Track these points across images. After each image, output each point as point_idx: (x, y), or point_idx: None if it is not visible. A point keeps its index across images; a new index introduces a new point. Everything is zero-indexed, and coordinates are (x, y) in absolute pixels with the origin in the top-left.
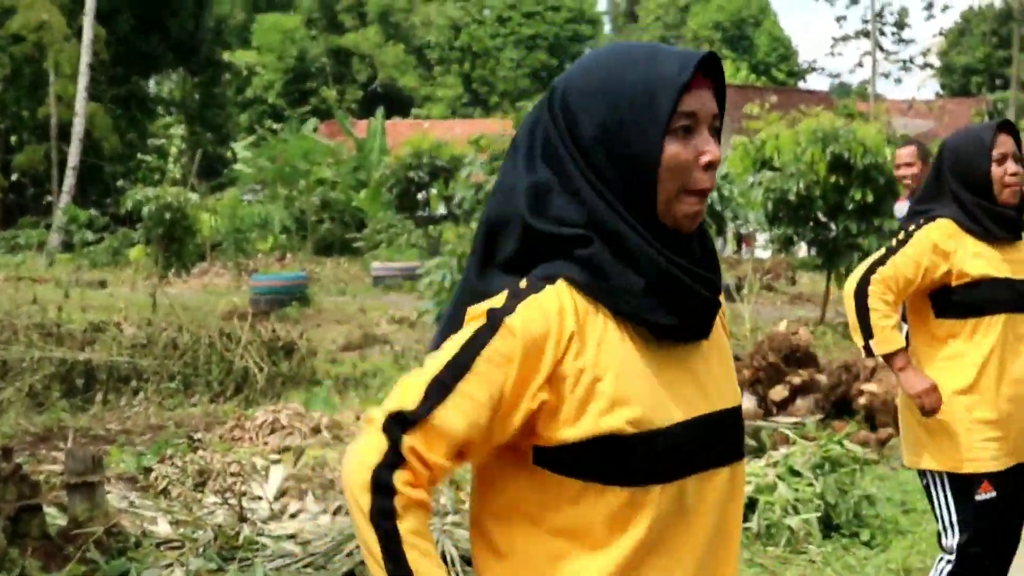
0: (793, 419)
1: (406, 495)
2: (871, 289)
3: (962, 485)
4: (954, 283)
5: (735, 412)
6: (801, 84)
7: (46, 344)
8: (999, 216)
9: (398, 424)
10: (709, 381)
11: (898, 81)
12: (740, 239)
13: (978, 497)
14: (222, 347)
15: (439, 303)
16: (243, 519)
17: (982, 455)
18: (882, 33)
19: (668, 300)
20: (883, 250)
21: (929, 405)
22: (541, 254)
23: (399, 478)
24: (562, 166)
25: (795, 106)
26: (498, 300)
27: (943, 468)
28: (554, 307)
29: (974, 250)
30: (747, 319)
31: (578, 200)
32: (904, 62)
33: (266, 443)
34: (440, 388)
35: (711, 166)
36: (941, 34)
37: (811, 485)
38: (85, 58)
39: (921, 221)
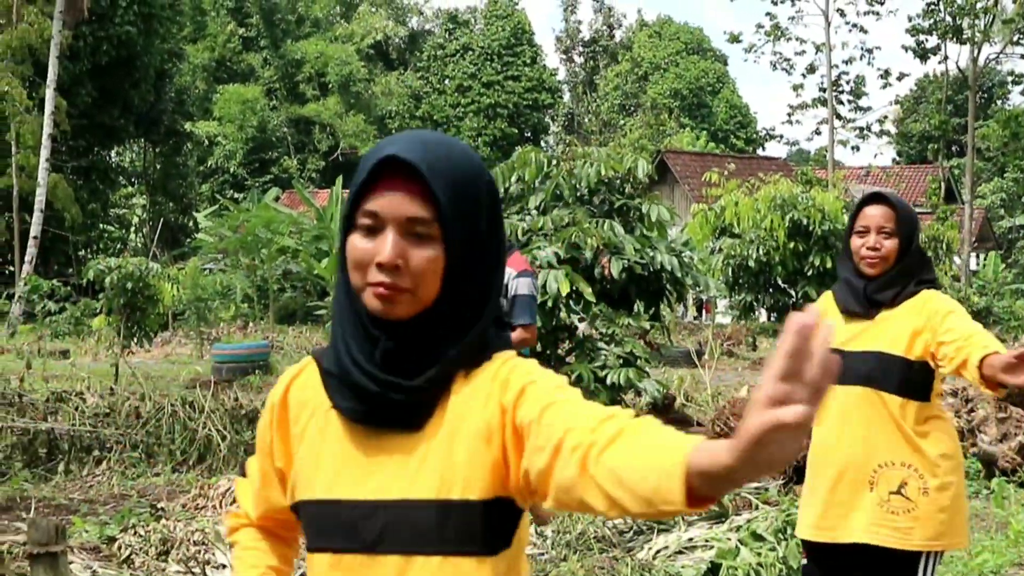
0: (755, 484)
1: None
2: None
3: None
4: None
5: (416, 505)
6: (760, 151)
7: (8, 414)
8: (851, 288)
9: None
10: (400, 470)
11: (855, 149)
12: (701, 305)
13: (802, 561)
14: (185, 416)
15: None
16: None
17: (802, 521)
18: (839, 101)
19: (347, 390)
20: None
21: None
22: None
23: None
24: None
25: (754, 173)
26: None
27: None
28: (286, 378)
29: (832, 321)
30: (708, 384)
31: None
32: (861, 129)
33: (229, 511)
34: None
35: (382, 267)
36: (897, 102)
37: (773, 550)
38: (47, 129)
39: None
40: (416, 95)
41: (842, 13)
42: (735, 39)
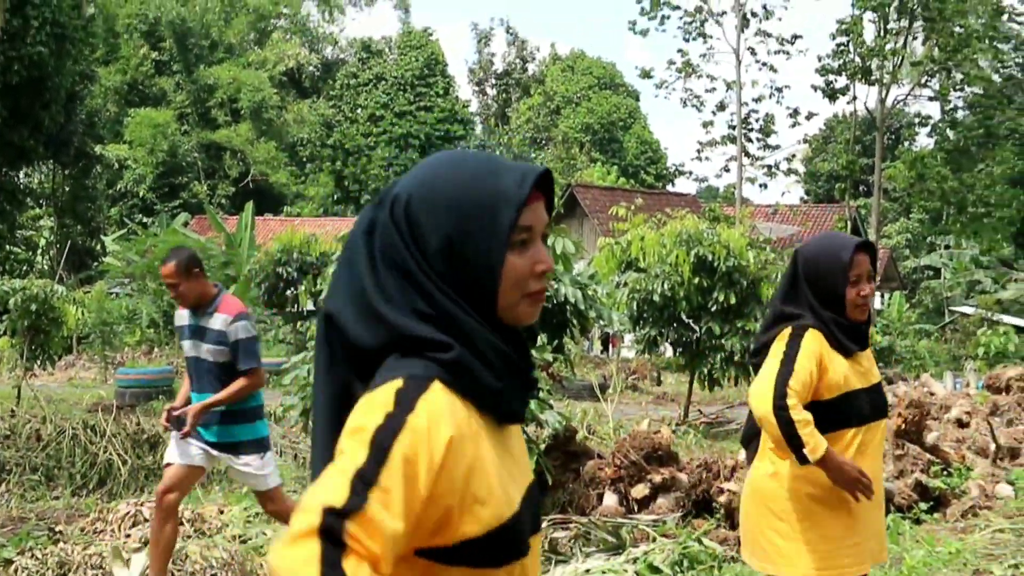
0: (654, 517)
1: None
2: (790, 403)
3: None
4: (826, 396)
5: (534, 486)
6: (669, 187)
7: None
8: (850, 331)
9: (335, 516)
10: (521, 458)
11: (763, 186)
12: (606, 339)
13: None
14: (86, 440)
15: (303, 397)
16: None
17: (842, 563)
18: (748, 139)
19: (516, 388)
20: (776, 363)
21: (863, 489)
22: (395, 352)
23: (349, 567)
24: (409, 272)
25: (662, 209)
26: (387, 401)
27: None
28: (445, 407)
29: (836, 365)
30: (611, 418)
31: (431, 304)
32: (769, 167)
33: (128, 535)
34: (364, 482)
35: (543, 274)
36: (805, 141)
37: None
38: None
39: (797, 327)
40: (328, 123)
41: (753, 52)
42: (647, 75)
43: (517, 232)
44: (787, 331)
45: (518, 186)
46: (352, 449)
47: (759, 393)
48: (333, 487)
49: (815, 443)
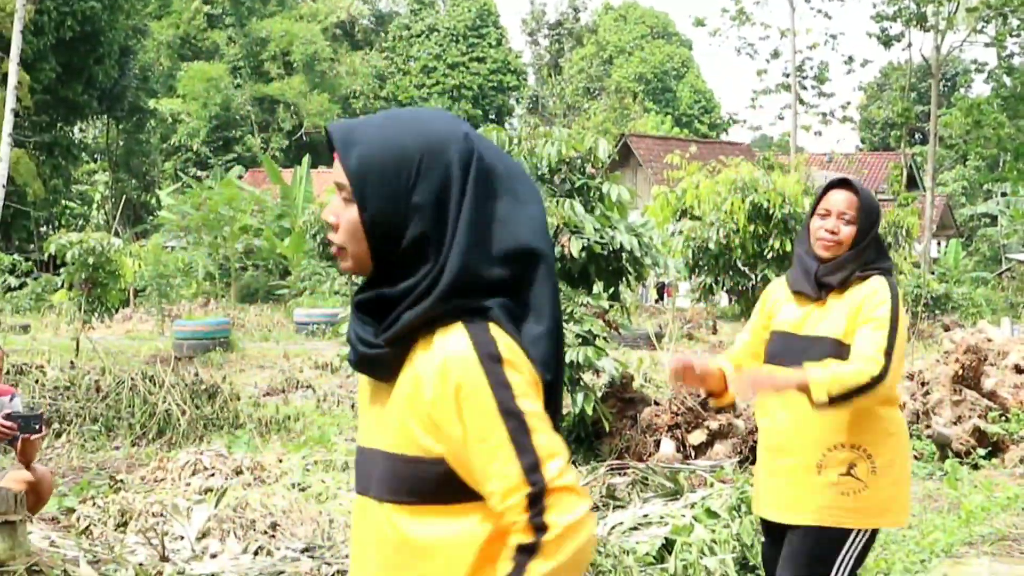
0: (711, 462)
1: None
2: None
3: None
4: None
5: (379, 454)
6: (723, 136)
7: None
8: (804, 269)
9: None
10: (374, 418)
11: (818, 134)
12: (661, 289)
13: (761, 539)
14: (145, 390)
15: None
16: (165, 559)
17: (758, 500)
18: (803, 87)
19: (352, 339)
20: None
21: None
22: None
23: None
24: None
25: (716, 157)
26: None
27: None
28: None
29: (781, 304)
30: (667, 365)
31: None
32: (824, 115)
33: (188, 484)
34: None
35: (330, 227)
36: (861, 88)
37: (727, 527)
38: (9, 104)
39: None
40: (381, 75)
41: None
42: (700, 23)
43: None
44: None
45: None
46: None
47: None
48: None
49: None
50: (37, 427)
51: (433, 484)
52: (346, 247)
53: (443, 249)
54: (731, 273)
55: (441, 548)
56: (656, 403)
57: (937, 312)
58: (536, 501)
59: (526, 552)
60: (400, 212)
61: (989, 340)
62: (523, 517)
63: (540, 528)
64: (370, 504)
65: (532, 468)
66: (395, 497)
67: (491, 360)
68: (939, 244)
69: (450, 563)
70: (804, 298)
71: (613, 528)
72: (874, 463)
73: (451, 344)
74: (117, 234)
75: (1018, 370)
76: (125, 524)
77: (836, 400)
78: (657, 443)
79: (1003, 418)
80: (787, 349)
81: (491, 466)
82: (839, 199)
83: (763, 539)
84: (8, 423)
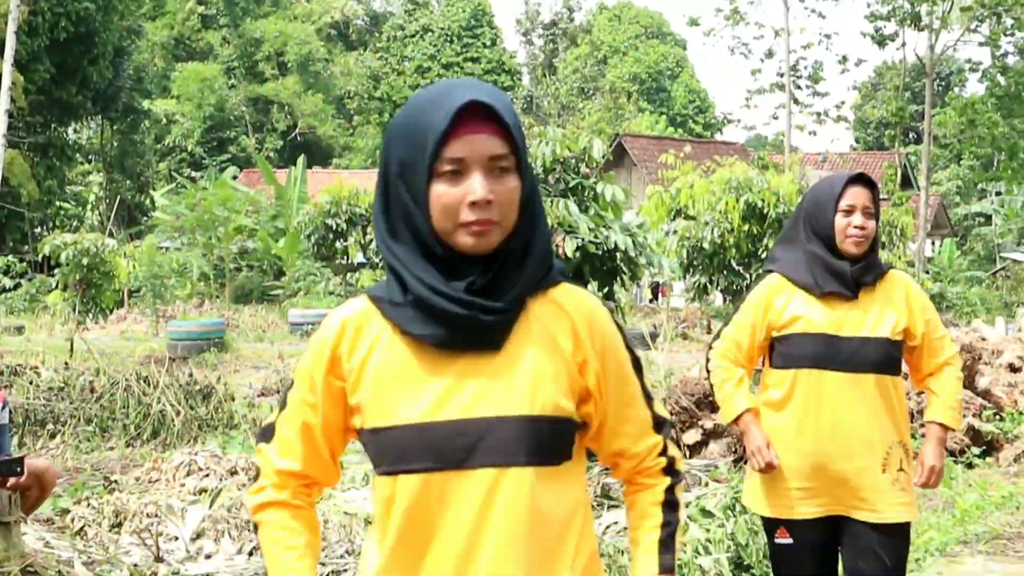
0: (706, 462)
1: (256, 503)
2: (715, 354)
3: (768, 527)
4: (775, 335)
5: (507, 421)
6: (717, 136)
7: None
8: (832, 269)
9: (262, 437)
10: (486, 390)
11: (813, 134)
12: (656, 289)
13: (777, 540)
14: (139, 391)
15: None
16: (159, 559)
17: (789, 503)
18: (797, 86)
19: (426, 315)
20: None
21: (758, 464)
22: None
23: (250, 490)
24: (378, 195)
25: (711, 157)
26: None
27: (754, 510)
28: (339, 316)
29: (799, 303)
30: (661, 366)
31: (378, 224)
32: (818, 115)
33: (183, 485)
34: (283, 400)
35: (476, 205)
36: (855, 88)
37: (722, 526)
38: (3, 105)
39: (761, 274)
40: (375, 75)
41: None
42: (694, 23)
43: (443, 163)
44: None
45: (443, 118)
46: None
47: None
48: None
49: (726, 407)
50: (18, 470)
51: (567, 443)
52: (501, 221)
53: (536, 214)
54: (725, 272)
55: (566, 509)
56: None
57: None
58: (666, 447)
59: (674, 480)
60: (532, 173)
61: (983, 339)
62: (659, 459)
63: (670, 463)
64: (487, 475)
65: (656, 416)
66: (536, 459)
67: (613, 317)
68: (933, 243)
69: (572, 523)
70: (837, 298)
71: (608, 528)
72: (910, 457)
73: (582, 301)
74: (111, 235)
75: (1012, 369)
76: (119, 525)
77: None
78: None
79: (997, 417)
80: (832, 351)
81: (628, 410)
82: (862, 194)
83: (783, 540)
84: None
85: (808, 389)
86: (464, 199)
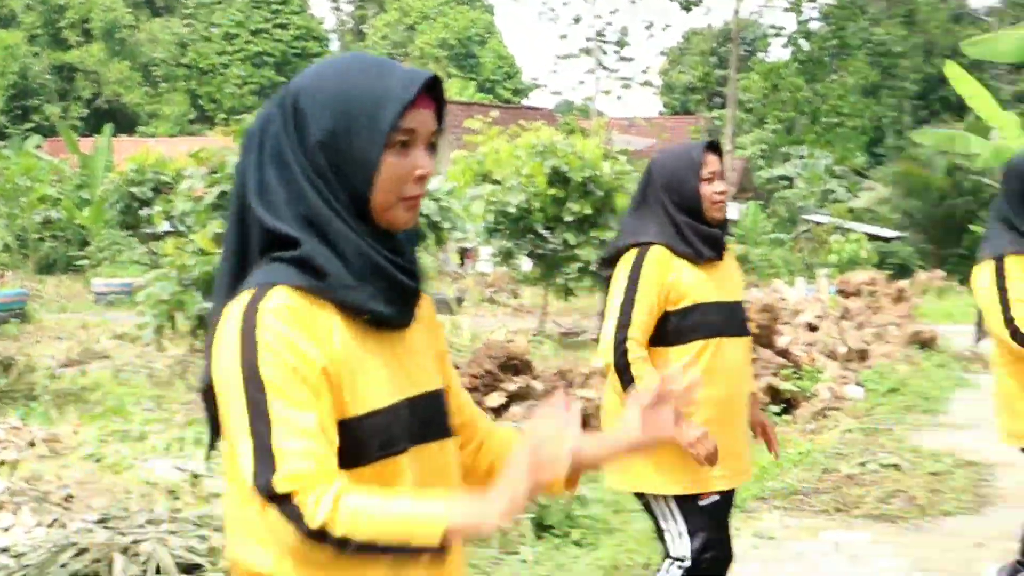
0: (508, 424)
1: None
2: (629, 358)
3: (686, 499)
4: (671, 309)
5: (437, 394)
6: (525, 102)
7: None
8: (706, 236)
9: (264, 477)
10: (414, 366)
11: (619, 99)
12: (463, 253)
13: (702, 503)
14: None
15: (158, 315)
16: None
17: (706, 476)
18: (603, 52)
19: (382, 291)
20: (618, 299)
21: (704, 451)
22: (260, 248)
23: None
24: (287, 166)
25: (517, 122)
26: (237, 316)
27: (668, 493)
28: (277, 307)
29: (686, 275)
30: (467, 330)
31: (298, 200)
32: (625, 80)
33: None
34: (260, 419)
35: (422, 179)
36: (663, 54)
37: None
38: None
39: (641, 250)
40: (182, 42)
41: None
42: None
43: (398, 132)
44: (632, 254)
45: (404, 87)
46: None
47: (602, 348)
48: (243, 454)
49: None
50: None
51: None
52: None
53: None
54: (531, 236)
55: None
56: (456, 367)
57: None
58: None
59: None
60: None
61: (783, 299)
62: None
63: None
64: (445, 445)
65: None
66: (452, 429)
67: None
68: (739, 206)
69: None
70: (711, 265)
71: None
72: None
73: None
74: None
75: (811, 328)
76: None
77: None
78: None
79: (796, 375)
80: (731, 318)
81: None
82: (716, 161)
83: (711, 499)
84: None
85: (712, 359)
86: (412, 172)
